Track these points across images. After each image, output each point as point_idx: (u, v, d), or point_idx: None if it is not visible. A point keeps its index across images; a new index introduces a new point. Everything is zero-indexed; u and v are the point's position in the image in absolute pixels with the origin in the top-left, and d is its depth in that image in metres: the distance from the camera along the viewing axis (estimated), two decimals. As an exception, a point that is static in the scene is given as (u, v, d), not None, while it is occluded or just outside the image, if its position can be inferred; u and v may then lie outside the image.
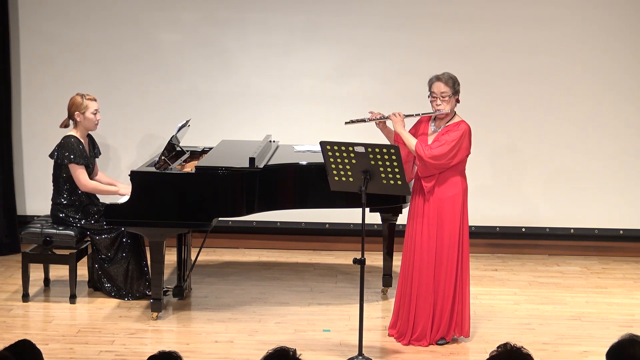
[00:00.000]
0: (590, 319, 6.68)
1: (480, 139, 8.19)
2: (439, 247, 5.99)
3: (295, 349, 3.55)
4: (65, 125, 7.01)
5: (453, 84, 6.03)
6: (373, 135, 6.63)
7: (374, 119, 6.14)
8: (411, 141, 5.97)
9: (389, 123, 6.19)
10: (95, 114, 6.95)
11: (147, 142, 8.28)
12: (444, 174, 5.98)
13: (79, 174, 6.87)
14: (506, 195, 8.33)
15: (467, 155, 6.04)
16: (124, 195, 6.88)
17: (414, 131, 6.14)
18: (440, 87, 6.00)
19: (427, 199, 5.99)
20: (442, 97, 5.99)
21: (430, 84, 6.06)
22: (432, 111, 6.05)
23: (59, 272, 7.20)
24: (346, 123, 6.22)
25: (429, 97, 6.07)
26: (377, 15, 8.18)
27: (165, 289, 6.65)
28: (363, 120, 6.16)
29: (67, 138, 6.91)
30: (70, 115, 6.96)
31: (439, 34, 8.17)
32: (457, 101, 6.08)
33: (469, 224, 6.18)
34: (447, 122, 6.05)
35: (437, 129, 6.07)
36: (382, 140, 6.24)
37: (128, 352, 5.91)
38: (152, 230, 6.38)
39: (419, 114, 6.13)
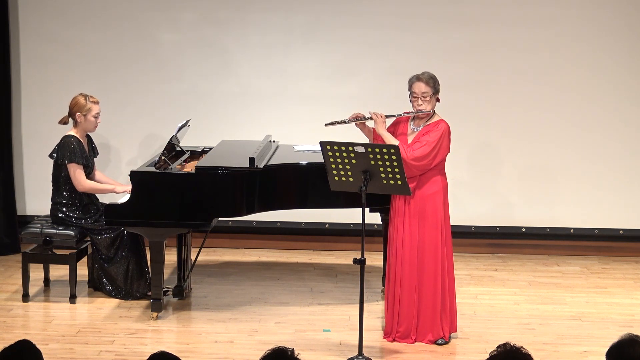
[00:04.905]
0: (590, 319, 6.68)
1: (482, 138, 8.21)
2: (420, 245, 6.01)
3: (293, 349, 3.54)
4: (64, 122, 7.01)
5: (434, 83, 6.04)
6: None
7: (353, 120, 6.15)
8: (393, 143, 5.96)
9: (369, 122, 6.20)
10: (96, 117, 6.95)
11: (147, 142, 8.28)
12: (425, 173, 6.00)
13: (78, 173, 6.86)
14: (506, 195, 8.33)
15: (447, 154, 6.06)
16: (120, 194, 6.89)
17: (393, 130, 6.15)
18: (421, 87, 6.01)
19: (408, 198, 6.00)
20: (424, 97, 6.00)
21: (411, 84, 6.07)
22: (412, 111, 6.06)
23: (59, 272, 7.20)
24: (326, 125, 6.23)
25: (409, 97, 6.07)
26: (377, 15, 8.17)
27: (165, 289, 6.65)
28: (343, 122, 6.17)
29: (66, 138, 6.90)
30: (71, 115, 6.95)
31: (439, 34, 8.16)
32: (437, 100, 6.09)
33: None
34: (426, 122, 6.06)
35: (417, 129, 6.08)
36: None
37: (128, 352, 5.91)
38: (152, 230, 6.38)
39: (400, 114, 6.13)
